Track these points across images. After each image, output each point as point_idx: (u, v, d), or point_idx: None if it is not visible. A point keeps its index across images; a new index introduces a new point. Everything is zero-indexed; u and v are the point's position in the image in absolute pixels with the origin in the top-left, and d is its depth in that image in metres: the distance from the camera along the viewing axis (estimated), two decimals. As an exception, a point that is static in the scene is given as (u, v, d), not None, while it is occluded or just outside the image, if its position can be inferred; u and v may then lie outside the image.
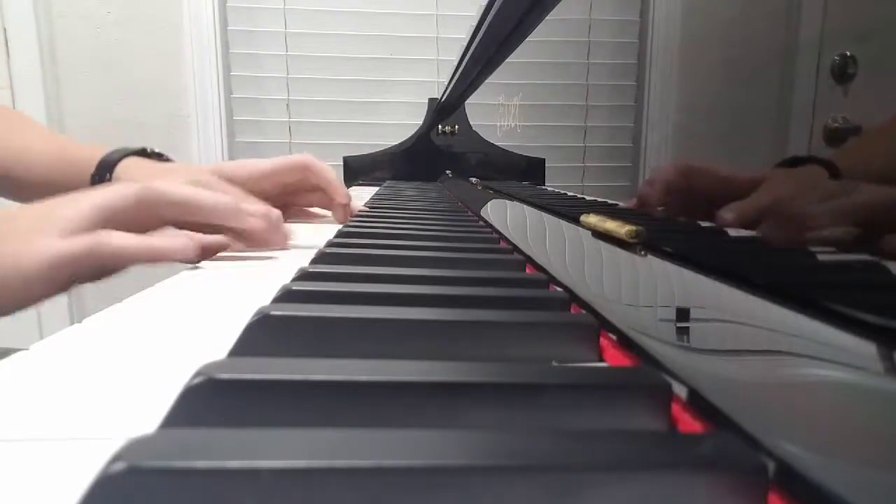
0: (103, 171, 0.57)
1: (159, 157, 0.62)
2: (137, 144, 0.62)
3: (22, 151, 0.60)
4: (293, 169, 0.64)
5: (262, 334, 0.22)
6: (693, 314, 0.23)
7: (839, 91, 0.18)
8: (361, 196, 0.94)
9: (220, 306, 0.29)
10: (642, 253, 0.28)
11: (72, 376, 0.20)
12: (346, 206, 0.67)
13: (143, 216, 0.40)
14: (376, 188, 1.25)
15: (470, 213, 0.71)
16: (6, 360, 0.20)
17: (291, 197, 0.68)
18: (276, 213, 0.47)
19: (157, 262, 0.41)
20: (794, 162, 0.21)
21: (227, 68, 1.78)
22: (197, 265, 0.40)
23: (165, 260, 0.39)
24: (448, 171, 1.53)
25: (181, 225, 0.44)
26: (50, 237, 0.35)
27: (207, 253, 0.45)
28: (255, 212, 0.45)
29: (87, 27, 1.69)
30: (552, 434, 0.15)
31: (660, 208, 0.32)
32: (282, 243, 0.47)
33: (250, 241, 0.45)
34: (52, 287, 0.36)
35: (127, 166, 0.57)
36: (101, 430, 0.16)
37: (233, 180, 0.55)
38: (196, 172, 0.48)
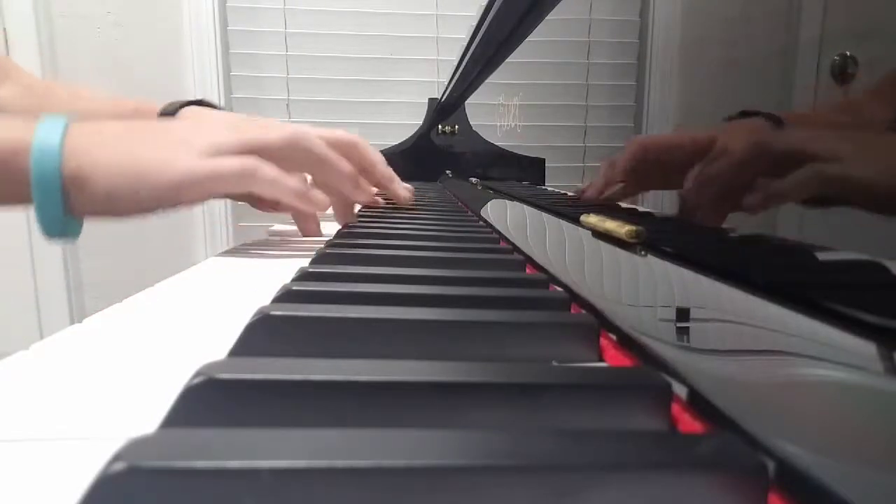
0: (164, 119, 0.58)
1: (213, 107, 0.63)
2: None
3: (80, 112, 0.60)
4: (345, 145, 0.65)
5: (263, 334, 0.22)
6: (693, 314, 0.23)
7: (839, 91, 0.18)
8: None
9: (220, 306, 0.29)
10: (642, 253, 0.28)
11: (72, 376, 0.20)
12: (403, 195, 0.64)
13: (282, 159, 0.41)
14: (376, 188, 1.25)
15: (470, 213, 0.71)
16: (6, 360, 0.20)
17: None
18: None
19: (291, 210, 0.46)
20: (742, 115, 0.21)
21: (227, 68, 1.78)
22: (196, 264, 0.40)
23: (301, 206, 0.43)
24: (448, 171, 1.53)
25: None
26: (192, 153, 0.37)
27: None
28: (366, 188, 0.48)
29: (87, 27, 1.69)
30: (552, 434, 0.15)
31: (619, 185, 0.33)
32: (353, 220, 0.50)
33: (337, 212, 0.49)
34: (186, 197, 0.38)
35: (189, 114, 0.58)
36: (101, 430, 0.16)
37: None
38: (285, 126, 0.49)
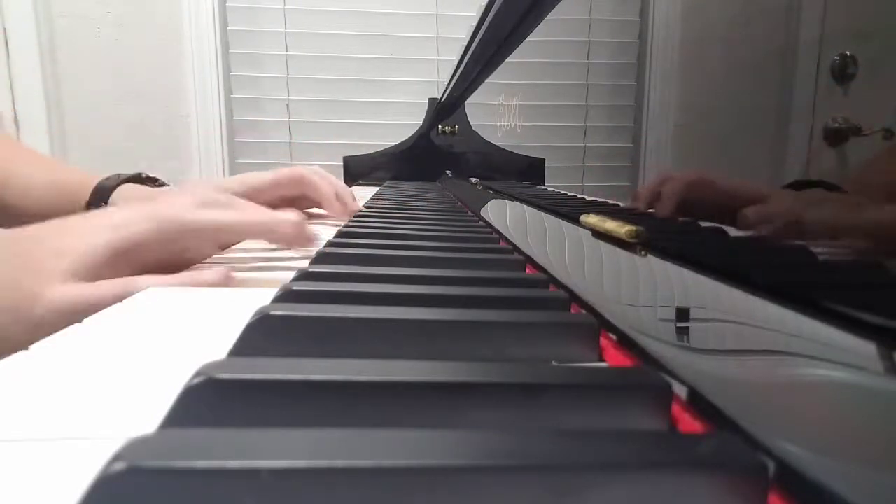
0: (98, 199, 0.56)
1: (153, 181, 0.61)
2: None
3: (13, 177, 0.59)
4: (290, 182, 0.66)
5: (262, 334, 0.22)
6: (693, 314, 0.23)
7: (839, 91, 0.18)
8: (361, 196, 0.94)
9: (220, 306, 0.29)
10: (642, 253, 0.28)
11: (72, 376, 0.20)
12: (343, 209, 0.68)
13: (165, 249, 0.38)
14: (376, 188, 1.25)
15: (470, 213, 0.71)
16: (6, 360, 0.20)
17: (291, 206, 0.69)
18: (299, 218, 0.44)
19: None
20: (801, 185, 0.21)
21: (227, 68, 1.78)
22: (196, 265, 0.40)
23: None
24: (448, 171, 1.53)
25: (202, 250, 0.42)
26: (63, 280, 0.32)
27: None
28: (286, 220, 0.43)
29: (87, 27, 1.69)
30: (552, 434, 0.15)
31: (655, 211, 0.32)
32: (311, 244, 0.45)
33: (283, 245, 0.44)
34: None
35: (122, 194, 0.57)
36: (102, 430, 0.16)
37: (233, 193, 0.54)
38: (200, 192, 0.44)
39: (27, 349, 0.30)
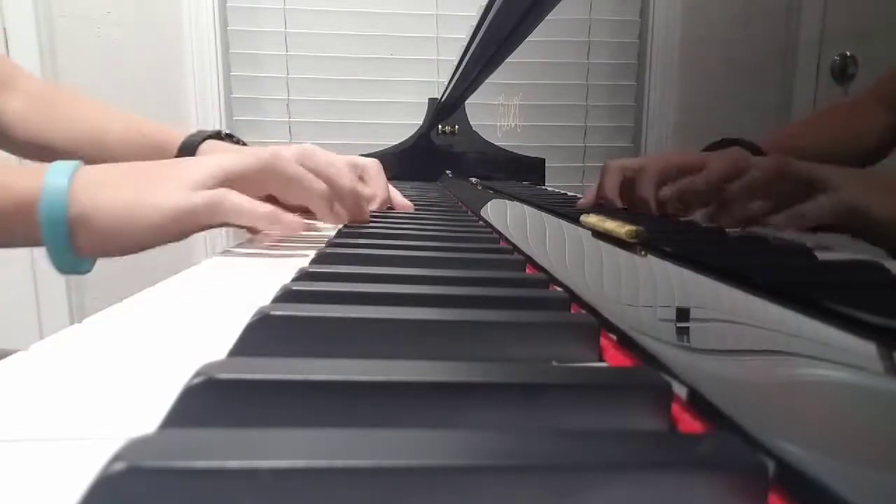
0: (185, 153, 0.60)
1: (231, 138, 0.65)
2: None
3: (100, 132, 0.63)
4: (359, 171, 0.70)
5: (262, 334, 0.22)
6: (693, 314, 0.23)
7: (839, 91, 0.18)
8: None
9: (220, 306, 0.29)
10: (642, 253, 0.28)
11: (72, 376, 0.20)
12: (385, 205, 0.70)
13: (258, 182, 0.44)
14: (376, 188, 1.25)
15: (470, 213, 0.71)
16: (6, 360, 0.20)
17: None
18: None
19: (262, 230, 0.46)
20: (722, 144, 0.21)
21: (227, 68, 1.78)
22: (196, 264, 0.40)
23: (272, 229, 0.44)
24: (448, 171, 1.53)
25: (275, 200, 0.48)
26: (178, 190, 0.40)
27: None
28: (339, 212, 0.50)
29: (87, 27, 1.69)
30: (552, 434, 0.15)
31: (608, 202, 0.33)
32: (366, 220, 0.53)
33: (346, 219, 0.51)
34: (176, 232, 0.41)
35: (207, 149, 0.61)
36: (101, 430, 0.16)
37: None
38: (303, 150, 0.52)
39: (148, 243, 0.41)
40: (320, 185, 0.47)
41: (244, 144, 0.66)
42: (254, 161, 0.44)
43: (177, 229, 0.41)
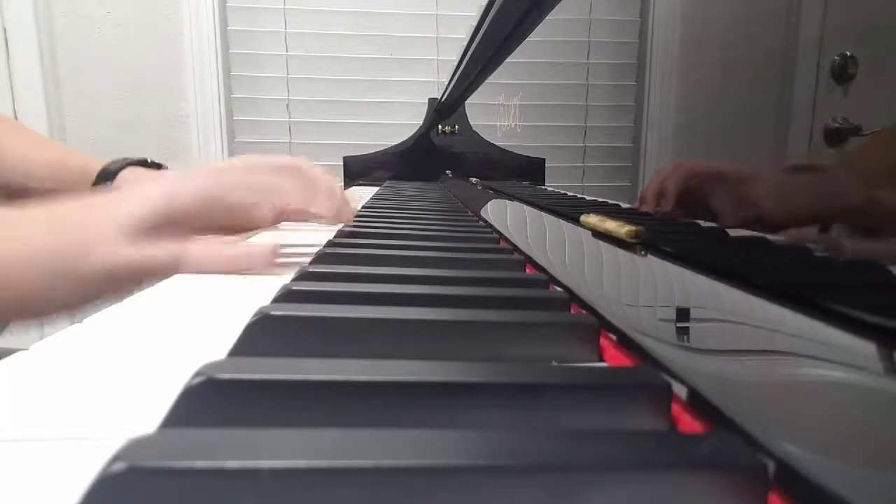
0: (103, 181, 0.57)
1: (157, 166, 0.62)
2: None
3: (21, 160, 0.60)
4: (291, 171, 0.64)
5: (262, 334, 0.22)
6: (693, 314, 0.23)
7: (839, 91, 0.18)
8: (361, 196, 0.94)
9: (220, 306, 0.29)
10: (642, 253, 0.28)
11: (72, 376, 0.20)
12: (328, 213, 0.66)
13: (202, 217, 0.38)
14: (376, 188, 1.25)
15: (470, 213, 0.71)
16: (6, 360, 0.20)
17: None
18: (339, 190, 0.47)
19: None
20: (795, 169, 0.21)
21: (227, 68, 1.78)
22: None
23: (241, 273, 0.37)
24: (448, 171, 1.53)
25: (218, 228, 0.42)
26: (116, 240, 0.33)
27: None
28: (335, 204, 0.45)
29: (87, 27, 1.69)
30: (552, 434, 0.15)
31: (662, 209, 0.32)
32: (350, 219, 0.48)
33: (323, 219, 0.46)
34: (110, 292, 0.34)
35: (127, 177, 0.58)
36: (102, 430, 0.16)
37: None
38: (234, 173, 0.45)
39: (75, 309, 0.32)
40: (267, 213, 0.42)
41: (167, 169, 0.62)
42: (191, 199, 0.37)
43: (114, 287, 0.34)
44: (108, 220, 0.34)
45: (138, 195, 0.36)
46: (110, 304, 0.31)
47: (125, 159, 0.59)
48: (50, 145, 0.65)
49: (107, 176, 0.57)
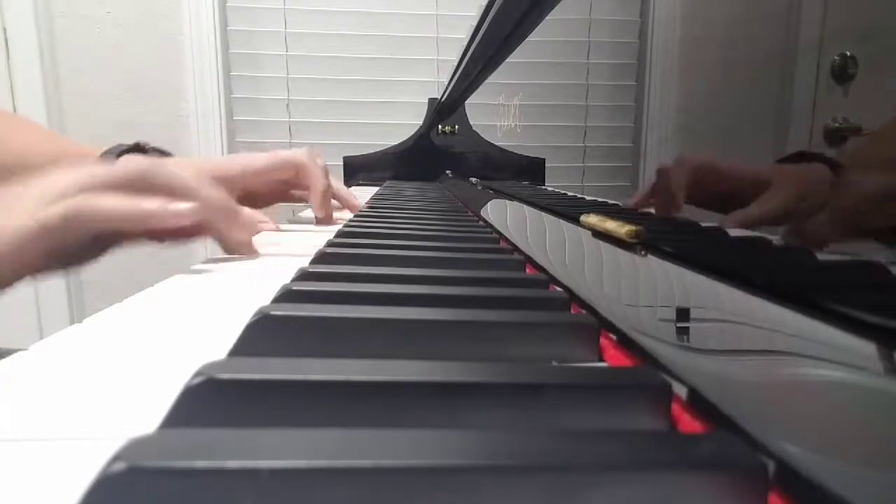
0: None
1: (158, 152, 0.62)
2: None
3: (21, 153, 0.60)
4: (286, 167, 0.63)
5: (262, 334, 0.22)
6: (693, 314, 0.23)
7: (839, 91, 0.18)
8: (362, 196, 0.94)
9: (220, 306, 0.29)
10: (642, 253, 0.28)
11: (72, 376, 0.20)
12: (326, 215, 0.66)
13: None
14: (376, 188, 1.25)
15: (470, 213, 0.71)
16: (6, 360, 0.20)
17: (285, 193, 0.68)
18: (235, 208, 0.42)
19: (147, 229, 0.36)
20: (798, 158, 0.20)
21: (227, 68, 1.78)
22: (196, 265, 0.40)
23: (156, 225, 0.35)
24: (448, 171, 1.53)
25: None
26: (26, 213, 0.32)
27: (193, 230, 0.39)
28: (245, 224, 0.42)
29: (87, 27, 1.69)
30: (552, 434, 0.15)
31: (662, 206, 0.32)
32: (249, 249, 0.43)
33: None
34: (31, 265, 0.33)
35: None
36: (101, 430, 0.16)
37: (224, 176, 0.56)
38: (185, 168, 0.43)
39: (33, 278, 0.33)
40: (214, 198, 0.38)
41: (166, 155, 0.62)
42: (121, 170, 0.35)
43: (35, 258, 0.33)
44: (24, 197, 0.33)
45: (57, 176, 0.35)
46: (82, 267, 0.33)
47: (120, 146, 0.59)
48: (49, 136, 0.65)
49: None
